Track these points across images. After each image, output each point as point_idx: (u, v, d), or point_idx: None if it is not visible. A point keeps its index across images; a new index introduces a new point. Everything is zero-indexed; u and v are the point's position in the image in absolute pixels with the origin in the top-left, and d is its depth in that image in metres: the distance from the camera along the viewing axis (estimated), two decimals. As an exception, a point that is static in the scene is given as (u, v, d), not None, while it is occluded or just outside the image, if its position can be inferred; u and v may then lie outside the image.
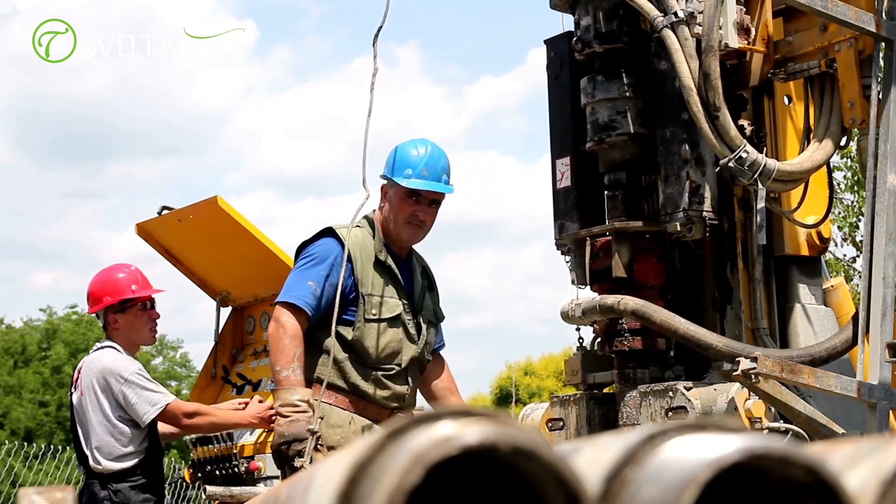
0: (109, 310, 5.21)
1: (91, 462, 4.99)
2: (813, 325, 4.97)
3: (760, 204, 4.53)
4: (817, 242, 5.07)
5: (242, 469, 6.42)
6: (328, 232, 4.23)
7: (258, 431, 6.45)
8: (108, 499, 4.95)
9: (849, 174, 14.34)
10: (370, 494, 0.72)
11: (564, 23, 5.18)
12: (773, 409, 4.40)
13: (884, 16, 4.59)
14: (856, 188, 14.19)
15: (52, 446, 15.20)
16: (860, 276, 5.43)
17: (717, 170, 4.62)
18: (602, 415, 4.86)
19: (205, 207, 6.84)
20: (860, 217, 14.33)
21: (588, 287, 4.92)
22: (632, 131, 4.82)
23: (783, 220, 4.93)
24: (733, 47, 4.58)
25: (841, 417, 4.54)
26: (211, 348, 7.27)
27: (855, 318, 4.57)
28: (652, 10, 4.55)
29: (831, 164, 5.07)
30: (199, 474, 6.61)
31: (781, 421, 4.44)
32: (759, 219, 4.58)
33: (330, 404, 4.09)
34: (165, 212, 7.03)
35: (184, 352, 34.28)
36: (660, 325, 4.47)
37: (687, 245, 4.84)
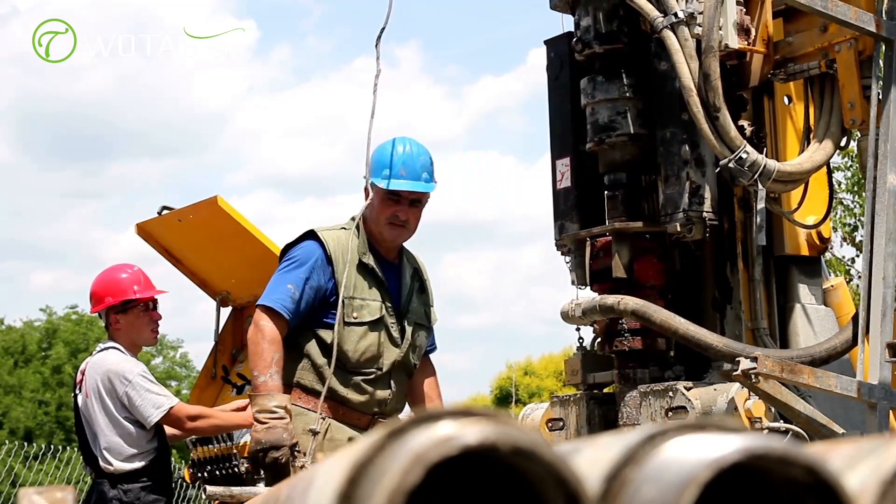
0: (111, 310, 5.21)
1: (101, 463, 5.00)
2: (813, 325, 4.97)
3: (760, 204, 4.53)
4: (817, 242, 5.07)
5: (242, 469, 6.42)
6: (310, 234, 4.17)
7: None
8: (117, 499, 4.96)
9: (848, 174, 14.34)
10: (370, 494, 0.72)
11: (564, 23, 5.19)
12: (773, 409, 4.40)
13: (884, 16, 4.59)
14: (856, 188, 14.19)
15: (51, 446, 15.21)
16: (860, 277, 5.43)
17: (717, 170, 4.62)
18: (602, 415, 4.86)
19: (205, 207, 6.84)
20: (857, 217, 14.34)
21: (588, 287, 4.93)
22: (632, 132, 4.82)
23: (783, 220, 4.93)
24: (733, 48, 4.58)
25: (841, 417, 4.54)
26: (211, 348, 7.27)
27: (855, 318, 4.57)
28: (652, 11, 4.56)
29: (831, 165, 5.07)
30: (199, 474, 6.61)
31: (781, 421, 4.44)
32: (758, 219, 4.58)
33: (308, 409, 4.03)
34: (165, 212, 7.03)
35: (184, 352, 34.30)
36: (660, 325, 4.47)
37: (687, 245, 4.84)
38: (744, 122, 4.71)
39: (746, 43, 4.67)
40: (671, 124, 4.73)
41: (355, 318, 4.08)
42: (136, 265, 5.41)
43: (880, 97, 4.56)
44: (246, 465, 6.34)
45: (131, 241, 34.84)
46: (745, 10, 4.68)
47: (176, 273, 7.25)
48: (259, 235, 6.86)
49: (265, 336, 3.96)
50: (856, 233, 14.16)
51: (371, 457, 0.73)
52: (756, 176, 4.46)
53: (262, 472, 3.97)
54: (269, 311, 4.00)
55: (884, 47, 4.61)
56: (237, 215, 6.85)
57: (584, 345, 5.09)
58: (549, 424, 4.95)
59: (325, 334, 4.05)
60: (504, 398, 32.33)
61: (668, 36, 4.49)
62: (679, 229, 4.67)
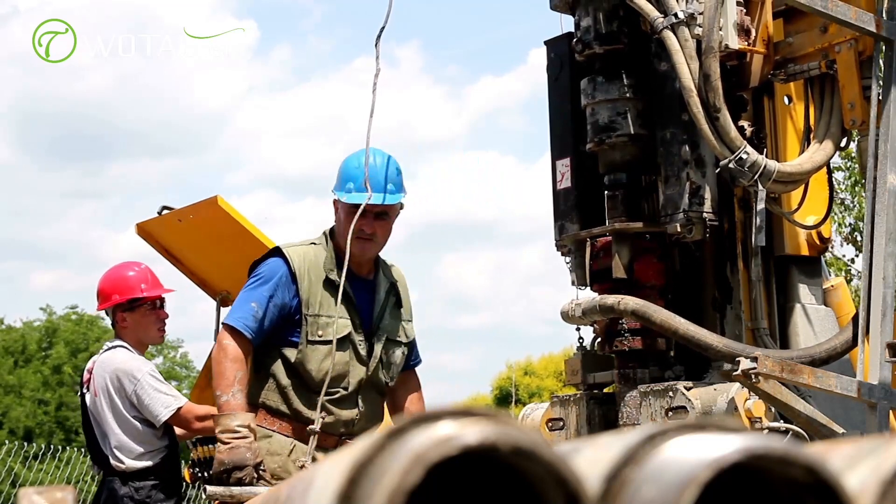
0: (118, 308, 5.22)
1: (112, 461, 5.00)
2: (813, 325, 4.97)
3: (760, 205, 4.53)
4: (817, 242, 5.07)
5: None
6: (276, 251, 4.12)
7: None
8: (128, 496, 4.97)
9: (847, 174, 14.34)
10: (370, 494, 0.72)
11: (564, 24, 5.19)
12: (773, 409, 4.40)
13: (884, 16, 4.59)
14: (856, 189, 14.19)
15: (51, 446, 15.21)
16: (860, 276, 5.43)
17: (717, 171, 4.62)
18: (602, 415, 4.86)
19: (205, 207, 6.83)
20: (850, 216, 14.35)
21: (588, 288, 4.93)
22: (632, 132, 4.82)
23: (783, 220, 4.93)
24: (733, 48, 4.58)
25: (841, 417, 4.54)
26: (211, 348, 7.27)
27: (855, 318, 4.57)
28: (652, 11, 4.56)
29: (831, 165, 5.07)
30: (200, 474, 6.60)
31: (781, 421, 4.44)
32: (758, 220, 4.58)
33: (274, 430, 3.98)
34: (165, 212, 7.02)
35: (184, 352, 34.32)
36: (660, 325, 4.47)
37: (687, 245, 4.84)
38: (744, 123, 4.71)
39: (747, 43, 4.67)
40: (671, 125, 4.73)
41: (320, 336, 3.98)
42: (144, 263, 5.42)
43: (880, 97, 4.56)
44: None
45: (131, 241, 34.83)
46: (745, 10, 4.68)
47: (176, 273, 7.26)
48: (259, 235, 6.85)
49: (227, 355, 3.88)
50: (856, 233, 14.16)
51: (371, 457, 0.73)
52: (756, 176, 4.46)
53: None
54: (231, 330, 3.93)
55: (884, 47, 4.61)
56: (237, 215, 6.84)
57: (584, 345, 5.09)
58: (549, 424, 4.95)
59: (290, 353, 3.98)
60: (504, 398, 32.32)
61: (669, 36, 4.49)
62: (679, 230, 4.67)
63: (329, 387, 3.95)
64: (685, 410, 4.41)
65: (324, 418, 3.92)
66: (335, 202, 4.13)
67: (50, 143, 52.36)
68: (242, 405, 3.83)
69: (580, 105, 4.97)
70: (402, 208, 4.19)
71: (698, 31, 4.49)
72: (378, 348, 4.07)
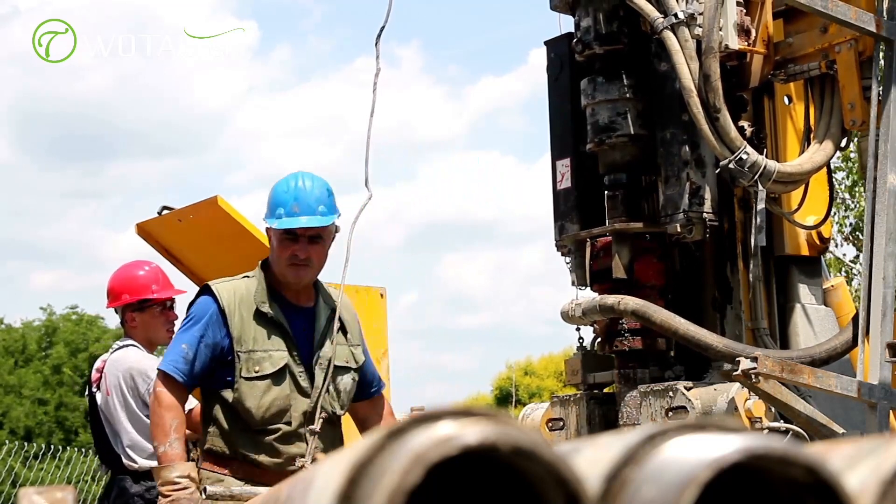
0: (127, 308, 5.22)
1: (125, 461, 5.00)
2: (813, 325, 4.98)
3: (760, 205, 4.53)
4: (817, 242, 5.07)
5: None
6: (206, 289, 3.98)
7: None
8: (139, 495, 4.96)
9: (846, 174, 14.34)
10: (370, 494, 0.72)
11: (564, 24, 5.19)
12: (773, 409, 4.40)
13: (884, 16, 4.59)
14: (854, 189, 14.20)
15: (51, 446, 15.21)
16: (860, 276, 5.43)
17: (717, 171, 4.62)
18: (602, 415, 4.87)
19: (205, 207, 6.83)
20: (851, 216, 14.34)
21: (588, 288, 4.93)
22: (632, 132, 4.82)
23: (783, 220, 4.93)
24: (733, 49, 4.58)
25: (841, 417, 4.54)
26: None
27: (855, 318, 4.57)
28: (652, 12, 4.56)
29: (831, 165, 5.07)
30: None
31: (781, 421, 4.44)
32: (758, 220, 4.58)
33: (225, 475, 3.86)
34: (165, 212, 7.02)
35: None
36: (660, 325, 4.48)
37: (687, 245, 4.84)
38: (744, 123, 4.72)
39: (747, 44, 4.68)
40: (671, 125, 4.73)
41: (257, 372, 3.82)
42: (155, 262, 5.42)
43: (880, 97, 4.56)
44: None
45: (131, 241, 34.83)
46: (745, 10, 4.69)
47: (176, 273, 7.26)
48: (259, 235, 6.85)
49: (161, 403, 3.78)
50: (857, 233, 14.17)
51: (371, 457, 0.74)
52: (756, 177, 4.46)
53: None
54: (164, 376, 3.82)
55: (884, 47, 4.61)
56: (237, 215, 6.84)
57: (584, 345, 5.09)
58: (550, 424, 4.95)
59: (228, 394, 3.85)
60: (504, 398, 32.32)
61: (669, 37, 4.49)
62: (679, 230, 4.68)
63: (270, 423, 3.81)
64: (685, 410, 4.42)
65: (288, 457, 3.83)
66: (268, 231, 3.99)
67: (50, 143, 52.40)
68: (181, 454, 3.71)
69: (580, 105, 4.97)
70: (337, 231, 4.04)
71: (698, 31, 4.49)
72: (320, 378, 3.88)
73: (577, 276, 4.98)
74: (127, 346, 5.19)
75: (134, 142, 52.77)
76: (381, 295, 7.64)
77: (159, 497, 3.71)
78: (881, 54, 4.62)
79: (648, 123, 4.84)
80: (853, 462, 0.80)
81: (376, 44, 4.23)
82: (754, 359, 4.12)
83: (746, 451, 0.74)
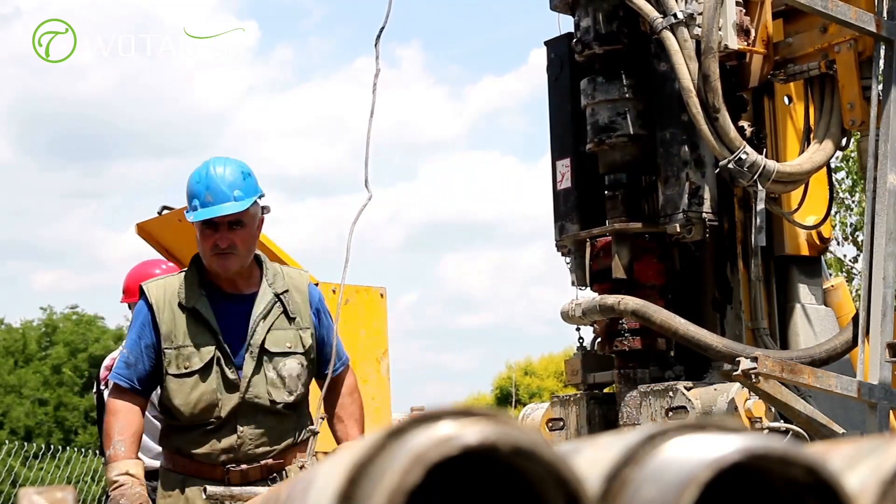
0: None
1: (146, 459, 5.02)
2: (813, 325, 4.98)
3: (760, 205, 4.54)
4: (817, 242, 5.08)
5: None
6: (140, 291, 3.92)
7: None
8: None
9: (846, 173, 14.35)
10: (370, 494, 0.72)
11: (564, 24, 5.20)
12: (773, 409, 4.40)
13: (884, 16, 4.59)
14: (854, 189, 14.21)
15: (51, 446, 15.21)
16: (860, 276, 5.43)
17: (716, 171, 4.63)
18: (602, 415, 4.87)
19: (205, 208, 6.83)
20: (851, 216, 14.35)
21: (588, 288, 4.93)
22: (632, 133, 4.83)
23: (783, 220, 4.93)
24: (733, 49, 4.59)
25: (841, 417, 4.54)
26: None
27: (855, 318, 4.57)
28: (651, 12, 4.56)
29: (831, 165, 5.07)
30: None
31: (781, 421, 4.45)
32: (758, 220, 4.58)
33: (168, 469, 3.90)
34: (166, 212, 7.03)
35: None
36: (660, 325, 4.48)
37: (687, 245, 4.84)
38: (744, 123, 4.72)
39: (746, 44, 4.68)
40: (671, 125, 4.73)
41: (186, 369, 3.76)
42: (170, 263, 5.46)
43: (880, 97, 4.56)
44: None
45: (131, 241, 34.89)
46: (744, 10, 4.69)
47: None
48: (260, 235, 6.85)
49: (108, 410, 3.81)
50: (857, 232, 14.17)
51: (371, 457, 0.74)
52: (755, 176, 4.46)
53: None
54: (112, 384, 3.85)
55: (884, 47, 4.61)
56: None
57: (584, 345, 5.10)
58: (550, 424, 4.95)
59: (161, 392, 3.85)
60: (504, 398, 32.33)
61: (668, 37, 4.50)
62: (679, 230, 4.68)
63: (199, 419, 3.76)
64: (685, 410, 4.42)
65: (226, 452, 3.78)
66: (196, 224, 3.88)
67: (50, 143, 52.44)
68: (124, 454, 3.70)
69: (580, 105, 4.97)
70: (265, 212, 3.94)
71: (697, 31, 4.49)
72: (250, 368, 3.77)
73: (577, 276, 4.98)
74: None
75: (134, 142, 52.81)
76: (381, 295, 7.65)
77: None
78: (881, 54, 4.62)
79: (648, 123, 4.84)
80: (853, 462, 0.80)
81: (376, 44, 4.23)
82: (754, 359, 4.12)
83: (746, 451, 0.74)
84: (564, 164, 5.08)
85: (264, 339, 3.80)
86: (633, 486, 0.75)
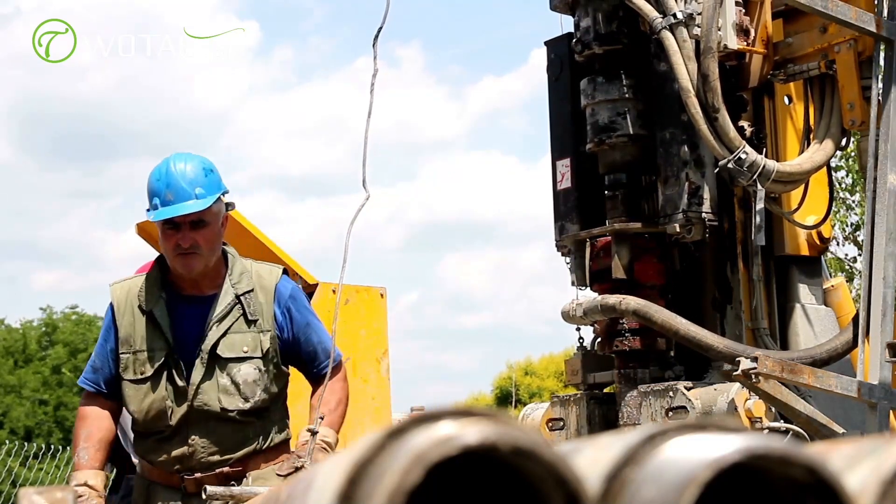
0: None
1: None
2: (813, 325, 4.98)
3: (760, 205, 4.53)
4: (817, 242, 5.07)
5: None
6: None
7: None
8: None
9: (846, 173, 14.36)
10: (370, 494, 0.72)
11: (564, 24, 5.19)
12: (773, 409, 4.40)
13: (884, 15, 4.59)
14: (855, 189, 14.21)
15: (51, 446, 15.21)
16: (860, 276, 5.43)
17: (716, 171, 4.63)
18: (602, 415, 4.87)
19: (205, 208, 6.83)
20: (853, 215, 14.37)
21: (588, 288, 4.93)
22: (631, 133, 4.83)
23: (783, 220, 4.93)
24: (732, 49, 4.58)
25: (841, 417, 4.54)
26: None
27: (856, 319, 4.57)
28: (651, 12, 4.56)
29: (831, 164, 5.07)
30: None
31: (781, 421, 4.44)
32: (758, 219, 4.58)
33: (139, 474, 3.84)
34: (165, 212, 7.02)
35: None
36: (661, 325, 4.48)
37: (687, 245, 4.84)
38: (744, 123, 4.72)
39: (746, 44, 4.68)
40: (671, 125, 4.73)
41: (142, 374, 3.64)
42: None
43: (880, 98, 4.56)
44: None
45: (132, 242, 34.85)
46: (744, 10, 4.69)
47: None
48: (259, 235, 6.86)
49: (77, 415, 3.75)
50: (857, 232, 14.18)
51: (371, 457, 0.74)
52: (755, 176, 4.46)
53: None
54: (82, 389, 3.80)
55: (884, 47, 4.61)
56: (237, 215, 6.84)
57: (584, 345, 5.09)
58: (550, 424, 4.95)
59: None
60: (504, 398, 32.32)
61: (667, 37, 4.49)
62: (678, 230, 4.68)
63: (152, 426, 3.65)
64: (685, 410, 4.42)
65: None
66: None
67: (51, 143, 52.46)
68: (87, 463, 3.64)
69: (580, 105, 4.97)
70: (229, 208, 3.81)
71: (697, 31, 4.49)
72: (199, 374, 3.61)
73: (577, 276, 4.98)
74: None
75: (135, 142, 52.82)
76: (382, 295, 7.64)
77: None
78: (881, 54, 4.62)
79: (648, 123, 4.84)
80: (853, 462, 0.80)
81: (374, 44, 4.23)
82: (754, 359, 4.12)
83: (746, 451, 0.74)
84: (564, 164, 5.08)
85: (217, 343, 3.63)
86: (633, 486, 0.75)
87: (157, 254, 4.01)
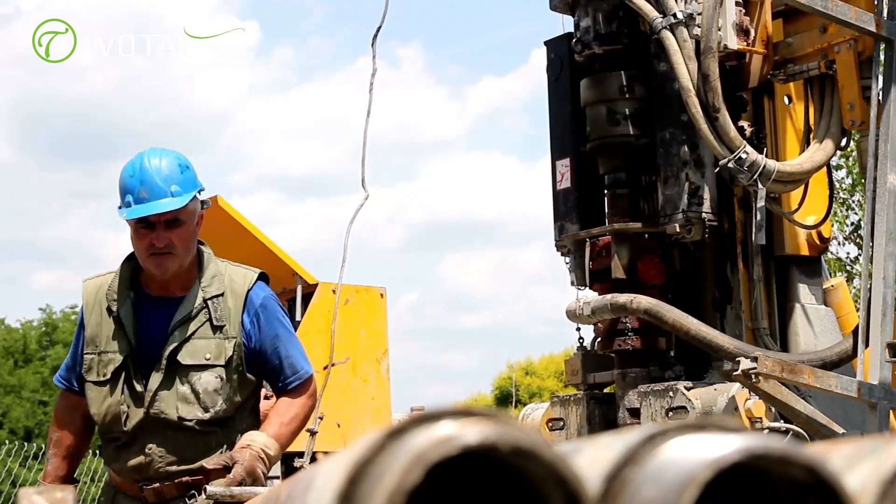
0: None
1: None
2: (813, 324, 4.97)
3: (760, 204, 4.53)
4: (817, 242, 5.07)
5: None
6: None
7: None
8: None
9: (846, 172, 14.36)
10: (370, 494, 0.72)
11: (564, 24, 5.20)
12: (773, 409, 4.40)
13: (884, 16, 4.59)
14: (855, 188, 14.21)
15: (51, 446, 15.17)
16: (860, 276, 5.43)
17: (716, 171, 4.62)
18: (602, 415, 4.87)
19: (205, 208, 6.83)
20: (854, 215, 14.37)
21: (588, 288, 4.93)
22: (631, 133, 4.83)
23: (783, 220, 4.93)
24: (732, 49, 4.58)
25: (841, 417, 4.54)
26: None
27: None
28: (651, 12, 4.56)
29: (831, 164, 5.07)
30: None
31: (781, 421, 4.44)
32: (758, 219, 4.58)
33: (106, 482, 3.71)
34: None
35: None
36: (672, 324, 4.46)
37: (687, 245, 4.84)
38: (744, 123, 4.72)
39: (746, 44, 4.67)
40: (671, 125, 4.73)
41: (104, 376, 3.49)
42: None
43: (880, 98, 4.56)
44: None
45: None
46: (744, 10, 4.69)
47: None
48: (259, 235, 6.87)
49: (53, 417, 3.65)
50: (857, 232, 14.19)
51: (371, 457, 0.73)
52: (755, 176, 4.46)
53: None
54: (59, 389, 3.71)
55: (884, 47, 4.61)
56: (237, 215, 6.85)
57: (584, 345, 5.09)
58: (550, 424, 4.95)
59: None
60: (505, 398, 32.33)
61: (667, 37, 4.49)
62: (678, 230, 4.68)
63: (109, 431, 3.51)
64: (685, 410, 4.41)
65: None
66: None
67: (51, 143, 52.45)
68: (51, 473, 3.59)
69: (580, 105, 4.97)
70: (205, 206, 3.63)
71: (697, 31, 4.49)
72: (157, 381, 3.45)
73: (577, 276, 4.98)
74: None
75: (135, 142, 52.91)
76: (381, 295, 7.65)
77: None
78: (881, 54, 4.62)
79: (648, 123, 4.84)
80: (853, 462, 0.80)
81: (372, 44, 4.24)
82: (754, 358, 4.12)
83: (746, 451, 0.74)
84: (564, 164, 5.08)
85: (178, 349, 3.47)
86: (633, 486, 0.75)
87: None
